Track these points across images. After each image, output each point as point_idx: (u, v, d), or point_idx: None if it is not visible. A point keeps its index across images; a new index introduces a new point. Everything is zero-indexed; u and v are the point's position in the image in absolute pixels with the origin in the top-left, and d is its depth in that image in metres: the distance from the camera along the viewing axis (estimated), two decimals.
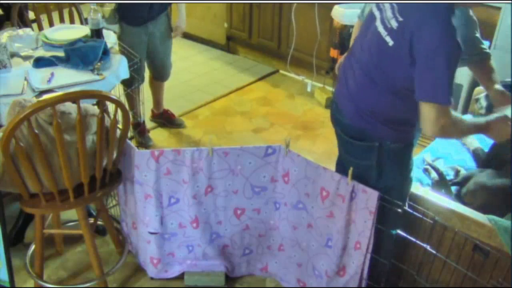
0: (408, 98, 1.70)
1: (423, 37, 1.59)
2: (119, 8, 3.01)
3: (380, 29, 1.73)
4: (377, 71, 1.76)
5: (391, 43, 1.68)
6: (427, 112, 1.63)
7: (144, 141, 3.43)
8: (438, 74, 1.58)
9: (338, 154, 2.12)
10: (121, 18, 3.05)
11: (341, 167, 2.09)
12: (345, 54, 2.03)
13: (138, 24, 3.07)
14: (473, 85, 3.37)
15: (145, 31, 3.12)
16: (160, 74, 3.46)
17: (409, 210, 1.88)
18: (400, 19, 1.66)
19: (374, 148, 1.85)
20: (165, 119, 3.73)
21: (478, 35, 2.22)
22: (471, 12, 2.15)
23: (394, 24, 1.68)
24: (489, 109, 2.43)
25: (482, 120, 1.84)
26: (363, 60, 1.81)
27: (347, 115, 1.88)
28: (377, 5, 1.80)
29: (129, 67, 2.70)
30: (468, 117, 1.79)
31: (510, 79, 2.41)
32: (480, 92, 2.86)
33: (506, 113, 1.85)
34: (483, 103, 2.41)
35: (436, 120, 1.62)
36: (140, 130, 3.44)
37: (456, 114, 1.70)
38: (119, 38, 3.00)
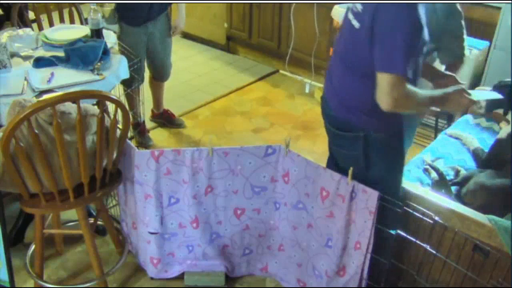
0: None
1: (381, 12, 1.64)
2: (119, 8, 3.01)
3: (349, 15, 1.80)
4: (351, 57, 1.81)
5: (357, 25, 1.73)
6: (382, 82, 1.66)
7: (144, 141, 3.43)
8: (394, 46, 1.62)
9: (328, 148, 2.17)
10: (121, 18, 3.05)
11: (332, 161, 2.13)
12: None
13: (138, 24, 3.07)
14: (473, 85, 3.37)
15: (144, 31, 3.12)
16: (160, 74, 3.46)
17: (409, 210, 1.88)
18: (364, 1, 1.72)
19: (359, 138, 1.87)
20: (165, 119, 3.73)
21: (463, 29, 2.20)
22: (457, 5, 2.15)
23: (359, 7, 1.74)
24: (489, 109, 2.43)
25: (438, 92, 1.85)
26: (340, 51, 1.89)
27: (332, 107, 1.94)
28: None
29: (129, 67, 2.70)
30: (426, 92, 1.80)
31: (509, 79, 2.40)
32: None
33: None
34: (482, 102, 2.41)
35: (390, 91, 1.65)
36: (140, 130, 3.44)
37: (412, 87, 1.71)
38: (119, 38, 3.00)
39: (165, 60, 3.40)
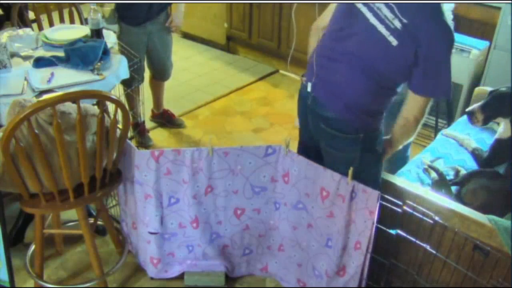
0: (391, 90, 1.86)
1: (431, 39, 1.68)
2: (118, 8, 3.01)
3: (381, 28, 1.73)
4: (372, 68, 1.79)
5: (395, 42, 1.71)
6: (421, 104, 1.81)
7: (144, 141, 3.43)
8: (443, 71, 1.75)
9: (301, 142, 2.17)
10: (120, 18, 3.05)
11: (313, 156, 2.07)
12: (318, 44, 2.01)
13: (138, 24, 3.07)
14: (473, 85, 3.37)
15: (144, 31, 3.12)
16: (160, 74, 3.45)
17: (409, 210, 1.88)
18: (405, 20, 1.69)
19: (359, 139, 1.89)
20: (165, 119, 3.73)
21: None
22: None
23: (397, 24, 1.70)
24: (486, 122, 2.43)
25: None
26: (354, 54, 1.80)
27: (333, 109, 1.87)
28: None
29: (129, 67, 2.70)
30: None
31: (508, 85, 2.40)
32: (480, 92, 2.86)
33: None
34: (479, 116, 2.39)
35: (425, 109, 1.82)
36: (140, 130, 3.44)
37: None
38: (119, 38, 3.00)
39: (165, 59, 3.40)
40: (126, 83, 2.97)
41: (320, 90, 1.92)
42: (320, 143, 2.02)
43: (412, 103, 1.82)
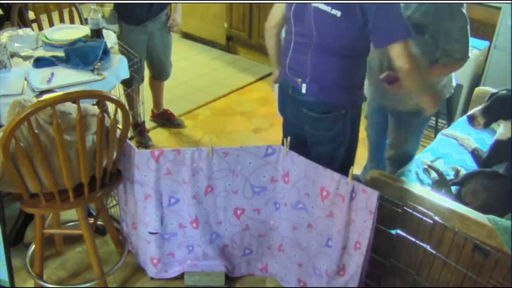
0: (358, 60, 1.99)
1: None
2: (118, 7, 3.01)
3: (323, 6, 1.86)
4: (332, 42, 1.91)
5: (338, 14, 1.83)
6: (399, 50, 1.84)
7: (144, 141, 3.43)
8: (396, 17, 1.82)
9: (286, 135, 2.21)
10: (120, 18, 3.05)
11: (299, 146, 2.15)
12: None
13: (137, 23, 3.07)
14: (473, 85, 3.37)
15: (144, 31, 3.12)
16: (159, 74, 3.45)
17: (409, 210, 1.88)
18: None
19: (341, 116, 2.03)
20: (165, 119, 3.73)
21: (464, 33, 2.21)
22: (464, 10, 2.16)
23: None
24: (487, 126, 2.42)
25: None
26: (314, 40, 1.93)
27: (312, 93, 2.01)
28: None
29: (129, 66, 2.69)
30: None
31: (508, 87, 2.39)
32: (480, 92, 2.86)
33: None
34: (481, 120, 2.39)
35: (409, 54, 1.85)
36: (140, 130, 3.44)
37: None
38: (119, 37, 3.00)
39: (165, 59, 3.39)
40: (126, 83, 2.97)
41: (295, 80, 2.05)
42: (305, 129, 2.14)
43: (393, 58, 1.88)
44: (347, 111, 2.03)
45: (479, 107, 2.41)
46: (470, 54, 2.30)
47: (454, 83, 2.54)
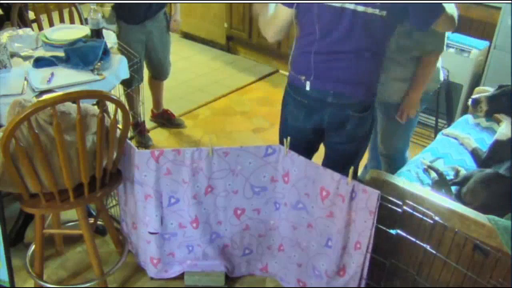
0: (384, 57, 2.08)
1: None
2: (117, 7, 3.00)
3: (368, 9, 1.86)
4: (374, 45, 1.96)
5: (384, 13, 1.87)
6: (444, 22, 2.02)
7: (144, 141, 3.43)
8: None
9: (328, 155, 2.28)
10: (119, 17, 3.04)
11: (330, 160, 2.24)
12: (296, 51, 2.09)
13: (136, 22, 3.06)
14: (473, 85, 3.37)
15: (143, 30, 3.11)
16: (159, 73, 3.45)
17: (409, 210, 1.88)
18: None
19: (371, 114, 2.14)
20: (165, 119, 3.73)
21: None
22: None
23: None
24: (490, 114, 2.42)
25: None
26: (356, 44, 1.94)
27: (358, 94, 2.03)
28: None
29: (129, 67, 2.69)
30: None
31: (508, 82, 2.39)
32: (481, 91, 2.86)
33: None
34: (484, 107, 2.37)
35: (451, 21, 2.05)
36: (140, 130, 3.44)
37: None
38: (118, 37, 3.00)
39: (164, 58, 3.39)
40: (126, 83, 2.96)
41: (335, 86, 2.02)
42: (336, 133, 2.14)
43: (439, 31, 2.10)
44: (374, 107, 2.15)
45: (486, 94, 2.36)
46: (469, 54, 2.30)
47: (441, 78, 2.54)
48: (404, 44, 2.27)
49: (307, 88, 2.03)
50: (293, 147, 2.09)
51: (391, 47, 2.24)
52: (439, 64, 2.47)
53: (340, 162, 2.17)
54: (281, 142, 2.18)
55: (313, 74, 2.00)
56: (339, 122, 2.10)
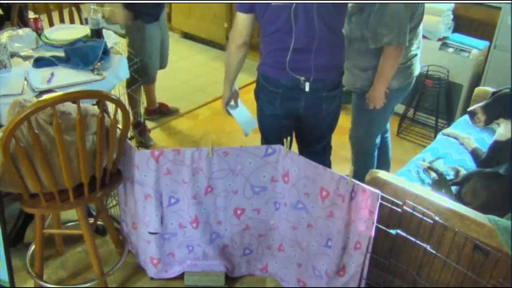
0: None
1: None
2: (135, 7, 3.03)
3: None
4: (334, 27, 2.08)
5: None
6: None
7: (144, 141, 3.44)
8: None
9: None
10: (139, 17, 3.08)
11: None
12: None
13: (155, 20, 3.15)
14: (473, 85, 3.37)
15: (159, 25, 3.22)
16: (164, 62, 3.53)
17: (409, 210, 1.88)
18: None
19: (341, 90, 2.28)
20: (161, 112, 3.79)
21: (390, 22, 2.24)
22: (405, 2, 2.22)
23: None
24: (488, 123, 2.43)
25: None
26: (319, 33, 2.04)
27: (333, 76, 2.18)
28: None
29: (130, 66, 2.71)
30: None
31: (508, 82, 2.40)
32: (480, 92, 2.86)
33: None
34: (481, 117, 2.39)
35: None
36: (141, 130, 3.44)
37: None
38: (136, 38, 3.07)
39: (167, 48, 3.50)
40: (129, 82, 3.00)
41: (309, 72, 2.12)
42: (315, 115, 2.26)
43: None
44: (341, 83, 2.29)
45: (480, 104, 2.41)
46: (469, 54, 2.30)
47: (415, 73, 2.54)
48: (362, 34, 2.32)
49: (282, 79, 2.15)
50: (271, 136, 2.29)
51: (355, 35, 2.35)
52: (416, 60, 2.47)
53: (314, 137, 2.38)
54: (263, 136, 2.41)
55: (288, 67, 2.11)
56: (312, 107, 2.22)
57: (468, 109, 2.47)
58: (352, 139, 2.75)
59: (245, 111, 2.49)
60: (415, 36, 2.41)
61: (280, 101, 2.21)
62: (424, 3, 2.37)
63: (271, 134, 2.36)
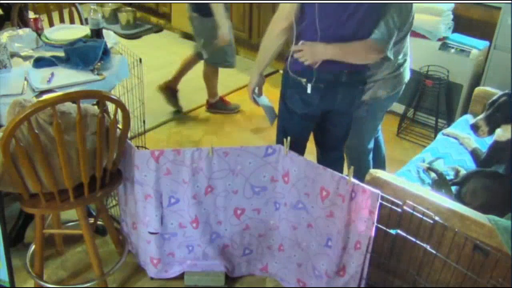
0: None
1: None
2: (195, 5, 3.30)
3: None
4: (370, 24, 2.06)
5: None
6: None
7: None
8: None
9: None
10: (198, 13, 3.32)
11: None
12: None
13: (211, 14, 3.26)
14: (473, 85, 3.37)
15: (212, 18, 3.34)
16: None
17: (409, 210, 1.88)
18: None
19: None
20: (222, 108, 3.90)
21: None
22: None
23: None
24: (491, 133, 2.42)
25: None
26: (362, 25, 2.03)
27: (361, 68, 2.16)
28: None
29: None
30: None
31: (506, 91, 2.39)
32: (481, 92, 2.86)
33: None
34: (485, 129, 2.39)
35: None
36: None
37: None
38: (207, 34, 3.31)
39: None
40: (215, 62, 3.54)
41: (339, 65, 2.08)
42: (348, 109, 2.26)
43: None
44: None
45: (482, 116, 2.40)
46: (469, 54, 2.29)
47: (405, 80, 2.51)
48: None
49: (321, 74, 2.09)
50: (297, 137, 2.21)
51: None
52: (404, 67, 2.45)
53: (340, 135, 2.38)
54: (284, 136, 2.20)
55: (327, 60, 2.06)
56: (347, 99, 2.19)
57: (471, 123, 2.45)
58: (346, 149, 2.72)
59: (267, 100, 2.46)
60: (402, 46, 2.38)
61: (320, 96, 2.14)
62: (424, 3, 2.37)
63: (298, 135, 2.24)
